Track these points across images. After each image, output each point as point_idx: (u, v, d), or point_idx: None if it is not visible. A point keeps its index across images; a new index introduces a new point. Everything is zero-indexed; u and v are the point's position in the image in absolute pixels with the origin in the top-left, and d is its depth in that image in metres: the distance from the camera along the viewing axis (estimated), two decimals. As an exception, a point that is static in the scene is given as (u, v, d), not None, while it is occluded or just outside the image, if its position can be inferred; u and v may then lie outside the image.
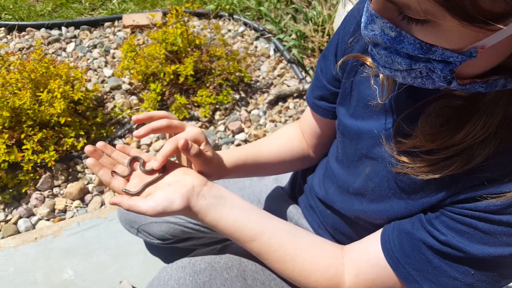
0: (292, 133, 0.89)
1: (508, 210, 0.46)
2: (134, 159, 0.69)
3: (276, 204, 0.95)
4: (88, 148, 0.66)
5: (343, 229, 0.78)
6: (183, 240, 1.11)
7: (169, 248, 1.20)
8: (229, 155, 0.78)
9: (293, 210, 0.93)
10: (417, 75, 0.44)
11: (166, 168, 0.69)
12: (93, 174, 1.68)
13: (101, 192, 1.63)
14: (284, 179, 1.03)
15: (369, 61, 0.62)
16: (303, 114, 0.88)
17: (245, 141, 1.86)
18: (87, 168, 1.69)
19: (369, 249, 0.62)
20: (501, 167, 0.46)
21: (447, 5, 0.34)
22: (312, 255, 0.65)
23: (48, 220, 1.52)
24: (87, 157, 0.68)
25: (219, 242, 1.13)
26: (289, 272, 0.65)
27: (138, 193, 0.65)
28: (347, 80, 0.69)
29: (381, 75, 0.59)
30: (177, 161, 0.72)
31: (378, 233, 0.62)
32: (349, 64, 0.68)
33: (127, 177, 0.67)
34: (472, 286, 0.52)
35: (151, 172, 0.68)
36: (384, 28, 0.42)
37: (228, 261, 0.74)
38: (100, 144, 0.68)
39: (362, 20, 0.45)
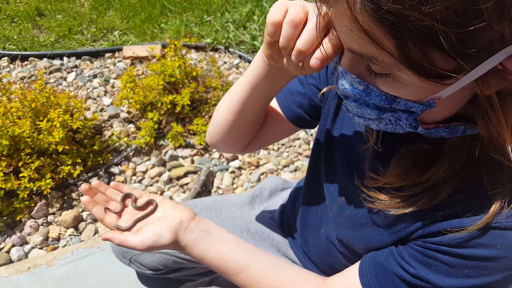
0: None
1: (469, 243, 0.49)
2: (127, 196, 0.72)
3: (265, 235, 0.96)
4: (84, 187, 0.69)
5: (326, 259, 0.79)
6: (175, 270, 1.10)
7: (160, 279, 1.18)
8: None
9: (281, 240, 0.94)
10: (387, 122, 0.47)
11: (156, 204, 0.71)
12: (88, 201, 1.68)
13: (95, 220, 1.63)
14: (273, 209, 1.04)
15: None
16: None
17: (239, 168, 1.87)
18: (82, 195, 1.69)
19: (348, 281, 0.63)
20: (462, 203, 0.50)
21: (407, 63, 0.38)
22: (295, 287, 0.67)
23: (41, 248, 1.50)
24: (82, 188, 0.70)
25: (211, 273, 1.14)
26: None
27: (129, 229, 0.67)
28: (327, 110, 0.72)
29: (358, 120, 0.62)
30: (168, 196, 0.74)
31: (356, 266, 0.64)
32: (329, 96, 0.71)
33: (119, 213, 0.70)
34: None
35: (142, 207, 0.71)
36: (353, 82, 0.45)
37: None
38: (95, 182, 0.72)
39: (334, 78, 0.49)
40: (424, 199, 0.52)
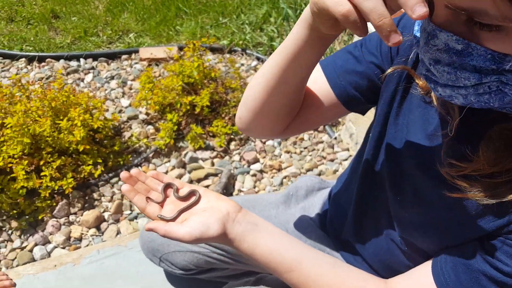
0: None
1: None
2: (168, 186, 0.70)
3: (305, 235, 0.93)
4: (124, 175, 0.66)
5: (384, 258, 0.74)
6: (206, 271, 1.07)
7: (191, 279, 1.16)
8: None
9: (324, 241, 0.91)
10: (485, 90, 0.41)
11: (199, 194, 0.69)
12: (109, 202, 1.66)
13: (117, 221, 1.61)
14: (311, 209, 1.02)
15: (421, 81, 0.58)
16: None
17: (261, 171, 1.85)
18: (103, 196, 1.67)
19: (419, 283, 0.57)
20: None
21: None
22: None
23: (63, 248, 1.48)
24: (123, 176, 0.66)
25: (242, 276, 1.10)
26: None
27: (173, 219, 0.65)
28: (393, 89, 0.64)
29: (436, 103, 0.56)
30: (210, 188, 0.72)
31: (427, 265, 0.58)
32: (394, 77, 0.63)
33: (161, 203, 0.68)
34: None
35: (185, 198, 0.69)
36: (448, 41, 0.39)
37: None
38: (134, 171, 0.68)
39: (420, 40, 0.43)
40: None
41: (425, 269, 0.57)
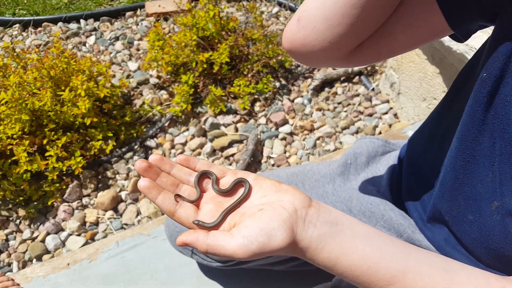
0: None
1: None
2: (204, 175, 0.49)
3: (377, 214, 0.71)
4: (140, 164, 0.46)
5: (495, 243, 0.52)
6: (247, 261, 0.89)
7: (229, 270, 0.98)
8: None
9: (403, 221, 0.68)
10: None
11: (249, 185, 0.47)
12: (125, 180, 1.47)
13: (136, 200, 1.43)
14: (377, 180, 0.78)
15: None
16: None
17: (291, 133, 1.61)
18: (118, 173, 1.48)
19: None
20: None
21: None
22: None
23: (79, 235, 1.32)
24: (139, 167, 0.47)
25: (288, 261, 0.92)
26: None
27: (216, 225, 0.45)
28: None
29: None
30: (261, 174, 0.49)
31: None
32: None
33: (197, 202, 0.48)
34: None
35: (229, 192, 0.47)
36: None
37: None
38: (155, 158, 0.48)
39: None
40: None
41: None
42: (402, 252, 0.45)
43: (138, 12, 2.11)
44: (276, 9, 2.07)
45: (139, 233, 1.06)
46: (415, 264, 0.45)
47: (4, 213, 1.33)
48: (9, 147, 1.35)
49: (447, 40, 1.30)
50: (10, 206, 1.35)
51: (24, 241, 1.29)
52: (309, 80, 1.77)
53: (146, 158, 1.53)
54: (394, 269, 0.44)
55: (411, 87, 1.65)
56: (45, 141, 1.39)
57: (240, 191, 0.47)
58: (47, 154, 1.37)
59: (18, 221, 1.33)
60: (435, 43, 1.39)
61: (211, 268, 0.97)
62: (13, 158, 1.33)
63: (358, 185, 0.77)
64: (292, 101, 1.72)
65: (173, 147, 1.58)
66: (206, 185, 0.49)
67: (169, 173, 0.49)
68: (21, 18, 2.04)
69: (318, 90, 1.74)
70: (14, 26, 2.04)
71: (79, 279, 0.99)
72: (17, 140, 1.36)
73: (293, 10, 2.03)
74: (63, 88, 1.48)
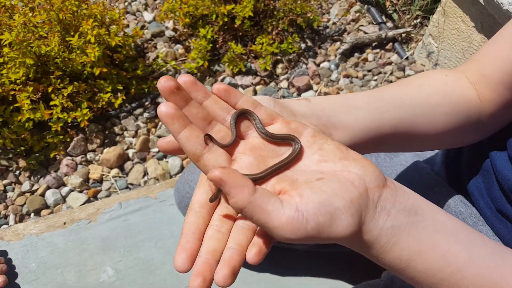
0: (461, 82, 0.50)
1: None
2: (244, 116, 0.36)
3: (431, 200, 0.57)
4: (166, 82, 0.34)
5: None
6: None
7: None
8: (353, 113, 0.41)
9: (464, 209, 0.55)
10: None
11: (301, 146, 0.35)
12: (133, 137, 1.35)
13: (143, 160, 1.31)
14: (429, 156, 0.63)
15: None
16: (481, 53, 0.50)
17: (314, 101, 1.45)
18: (126, 130, 1.36)
19: None
20: None
21: None
22: None
23: (81, 191, 1.21)
24: (163, 86, 0.34)
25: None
26: None
27: (259, 181, 0.33)
28: None
29: None
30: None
31: None
32: None
33: (231, 148, 0.36)
34: None
35: (278, 141, 0.35)
36: None
37: None
38: (186, 79, 0.36)
39: None
40: None
41: None
42: (496, 256, 0.33)
43: (158, -41, 1.91)
44: (307, -37, 1.85)
45: (145, 196, 0.94)
46: (509, 269, 0.32)
47: (4, 162, 1.23)
48: (12, 92, 1.23)
49: (506, 3, 1.10)
50: (10, 155, 1.25)
51: (22, 193, 1.19)
52: (338, 43, 1.59)
53: (157, 116, 1.40)
54: (485, 278, 0.32)
55: (452, 58, 1.45)
56: (50, 89, 1.26)
57: (290, 152, 0.35)
58: (51, 103, 1.25)
59: (17, 172, 1.23)
60: (488, 7, 1.19)
61: None
62: (16, 105, 1.22)
63: (407, 160, 0.62)
64: (318, 65, 1.55)
65: (186, 106, 1.44)
66: (246, 130, 0.37)
67: (201, 103, 0.36)
68: (34, -42, 1.87)
69: (347, 55, 1.56)
70: (26, -34, 1.87)
71: (75, 240, 0.88)
72: (21, 86, 1.24)
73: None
74: (72, 33, 1.34)
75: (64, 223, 0.90)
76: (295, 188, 0.31)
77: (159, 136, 1.36)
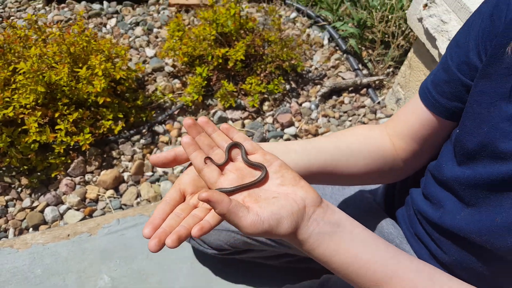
0: (380, 136, 0.65)
1: None
2: (235, 146, 0.52)
3: (366, 221, 0.70)
4: (188, 121, 0.50)
5: (473, 265, 0.55)
6: (241, 252, 0.91)
7: (221, 258, 0.96)
8: (291, 156, 0.56)
9: (393, 231, 0.68)
10: None
11: (266, 173, 0.49)
12: (129, 161, 1.45)
13: (137, 182, 1.41)
14: (374, 188, 0.78)
15: None
16: (397, 115, 0.65)
17: (295, 136, 1.59)
18: (123, 154, 1.46)
19: None
20: None
21: None
22: None
23: (77, 210, 1.29)
24: (186, 123, 0.51)
25: (283, 257, 0.92)
26: None
27: (231, 193, 0.47)
28: (507, 75, 0.46)
29: None
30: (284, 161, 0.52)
31: None
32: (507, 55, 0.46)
33: (222, 167, 0.51)
34: None
35: (255, 166, 0.50)
36: None
37: None
38: (202, 119, 0.52)
39: None
40: None
41: None
42: (392, 259, 0.46)
43: (161, 1, 2.09)
44: (294, 14, 2.05)
45: (140, 214, 1.04)
46: (403, 271, 0.46)
47: (7, 179, 1.31)
48: (21, 116, 1.32)
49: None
50: (14, 173, 1.33)
51: (23, 209, 1.27)
52: (319, 86, 1.75)
53: (152, 142, 1.51)
54: (382, 272, 0.46)
55: (417, 106, 1.62)
56: (56, 115, 1.37)
57: (258, 175, 0.49)
58: (57, 127, 1.35)
59: (20, 189, 1.31)
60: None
61: (205, 254, 0.95)
62: (23, 127, 1.31)
63: (356, 191, 0.76)
64: (300, 104, 1.70)
65: (179, 135, 1.56)
66: (235, 155, 0.51)
67: (210, 135, 0.52)
68: (46, -7, 2.02)
69: (326, 97, 1.72)
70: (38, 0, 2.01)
71: (77, 251, 0.97)
72: (30, 110, 1.34)
73: (310, 17, 2.01)
74: (80, 65, 1.46)
75: (68, 235, 0.99)
76: (257, 202, 0.45)
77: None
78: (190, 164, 0.53)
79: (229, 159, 0.51)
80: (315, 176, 0.59)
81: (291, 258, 0.93)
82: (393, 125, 0.65)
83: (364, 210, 0.73)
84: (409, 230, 0.66)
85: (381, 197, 0.76)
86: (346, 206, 0.74)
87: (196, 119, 0.53)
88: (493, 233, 0.47)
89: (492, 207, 0.48)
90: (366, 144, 0.63)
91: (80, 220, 1.25)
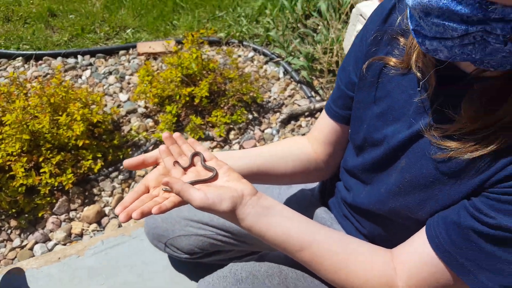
0: (303, 144, 0.83)
1: None
2: (196, 154, 0.68)
3: (307, 212, 0.86)
4: (165, 134, 0.68)
5: (381, 232, 0.72)
6: (210, 254, 1.04)
7: (193, 265, 1.09)
8: (237, 161, 0.73)
9: (325, 215, 0.85)
10: (469, 41, 0.41)
11: (216, 173, 0.65)
12: (110, 196, 1.57)
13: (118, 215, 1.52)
14: (312, 187, 0.94)
15: (392, 61, 0.60)
16: (314, 126, 0.84)
17: (261, 160, 1.76)
18: (103, 190, 1.58)
19: (417, 248, 0.57)
20: None
21: None
22: (365, 263, 0.60)
23: (64, 244, 1.39)
24: (164, 136, 0.68)
25: (247, 256, 1.05)
26: (342, 280, 0.61)
27: (192, 184, 0.62)
28: (370, 84, 0.65)
29: (415, 66, 0.56)
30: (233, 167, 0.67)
31: (423, 231, 0.58)
32: (371, 70, 0.64)
33: (186, 169, 0.66)
34: None
35: (209, 169, 0.66)
36: None
37: (269, 269, 0.72)
38: (176, 134, 0.70)
39: None
40: (501, 138, 0.47)
41: (421, 234, 0.58)
42: (312, 230, 0.62)
43: (131, 51, 2.28)
44: (251, 53, 2.28)
45: (121, 234, 1.17)
46: (320, 238, 0.61)
47: (-3, 222, 1.40)
48: (8, 163, 1.44)
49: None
50: (3, 217, 1.42)
51: (13, 248, 1.36)
52: (278, 114, 1.95)
53: (130, 177, 1.63)
54: (304, 240, 0.61)
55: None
56: (41, 159, 1.49)
57: (209, 175, 0.65)
58: (41, 170, 1.47)
59: (9, 230, 1.40)
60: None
61: (180, 262, 1.07)
62: (11, 173, 1.42)
63: (298, 190, 0.93)
64: (263, 131, 1.88)
65: (155, 166, 1.69)
66: (196, 161, 0.68)
67: (180, 146, 0.68)
68: (24, 52, 2.18)
69: (285, 122, 1.91)
70: (17, 58, 2.17)
71: (67, 271, 1.08)
72: (16, 157, 1.46)
73: (266, 55, 2.24)
74: (60, 113, 1.60)
75: (59, 258, 1.10)
76: (208, 188, 0.59)
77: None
78: (154, 167, 0.69)
79: (192, 163, 0.67)
80: (257, 176, 0.74)
81: (265, 252, 1.06)
82: (312, 135, 0.82)
83: (304, 204, 0.89)
84: (338, 213, 0.82)
85: (317, 192, 0.93)
86: (291, 202, 0.90)
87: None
88: (380, 201, 0.64)
89: (378, 181, 0.65)
90: (293, 150, 0.80)
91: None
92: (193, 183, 0.61)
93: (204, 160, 0.67)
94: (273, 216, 0.61)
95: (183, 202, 0.60)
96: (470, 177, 0.51)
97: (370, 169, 0.67)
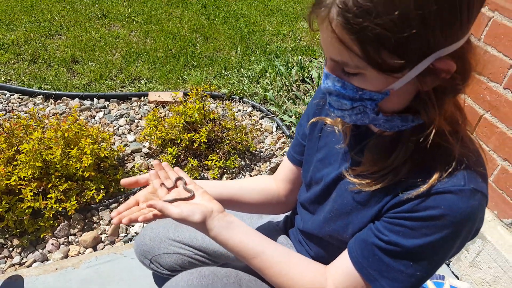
0: (269, 181, 1.01)
1: (420, 207, 0.59)
2: (179, 178, 0.83)
3: (271, 237, 1.00)
4: (155, 161, 0.86)
5: (323, 254, 0.87)
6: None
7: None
8: (211, 188, 0.89)
9: (284, 241, 1.00)
10: (358, 111, 0.59)
11: (193, 194, 0.80)
12: (107, 225, 1.68)
13: (113, 242, 1.62)
14: (279, 217, 1.12)
15: (328, 120, 0.80)
16: (278, 169, 1.01)
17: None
18: (102, 219, 1.69)
19: (342, 262, 0.72)
20: (413, 177, 0.61)
21: (368, 61, 0.51)
22: (301, 271, 0.75)
23: (60, 265, 1.47)
24: (154, 163, 0.86)
25: None
26: (284, 284, 0.74)
27: (170, 202, 0.76)
28: (316, 136, 0.84)
29: (340, 126, 0.76)
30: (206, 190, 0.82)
31: (346, 249, 0.73)
32: (317, 126, 0.85)
33: (169, 189, 0.81)
34: (414, 276, 0.63)
35: (188, 190, 0.81)
36: (334, 81, 0.58)
37: (228, 272, 0.86)
38: (165, 163, 0.86)
39: (322, 79, 0.61)
40: (390, 177, 0.63)
41: (345, 251, 0.73)
42: (264, 242, 0.77)
43: (142, 98, 2.50)
44: (250, 109, 2.51)
45: (113, 252, 1.28)
46: (269, 249, 0.76)
47: (1, 240, 1.50)
48: (19, 186, 1.57)
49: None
50: (7, 235, 1.52)
51: (13, 265, 1.44)
52: (268, 162, 2.11)
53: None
54: (257, 250, 0.75)
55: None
56: (49, 185, 1.62)
57: (188, 195, 0.79)
58: (48, 195, 1.59)
59: (11, 248, 1.49)
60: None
61: (162, 277, 1.18)
62: (20, 196, 1.55)
63: (266, 222, 1.08)
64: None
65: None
66: (179, 184, 0.82)
67: (167, 172, 0.84)
68: (45, 91, 2.40)
69: (273, 171, 2.07)
70: (38, 96, 2.38)
71: (62, 281, 1.19)
72: (27, 182, 1.59)
73: (262, 111, 2.47)
74: (72, 147, 1.76)
75: (56, 269, 1.20)
76: (185, 204, 0.73)
77: (127, 225, 1.69)
78: (144, 187, 0.84)
79: (175, 185, 0.82)
80: (228, 202, 0.91)
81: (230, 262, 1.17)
82: (276, 174, 1.00)
83: (270, 232, 1.03)
84: (295, 239, 0.97)
85: (282, 224, 1.09)
86: (259, 229, 1.04)
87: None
88: (319, 226, 0.81)
89: (319, 211, 0.82)
90: (259, 185, 0.98)
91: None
92: (173, 200, 0.76)
93: (186, 184, 0.82)
94: (233, 229, 0.75)
95: (163, 215, 0.75)
96: (373, 205, 0.67)
97: (314, 201, 0.84)
